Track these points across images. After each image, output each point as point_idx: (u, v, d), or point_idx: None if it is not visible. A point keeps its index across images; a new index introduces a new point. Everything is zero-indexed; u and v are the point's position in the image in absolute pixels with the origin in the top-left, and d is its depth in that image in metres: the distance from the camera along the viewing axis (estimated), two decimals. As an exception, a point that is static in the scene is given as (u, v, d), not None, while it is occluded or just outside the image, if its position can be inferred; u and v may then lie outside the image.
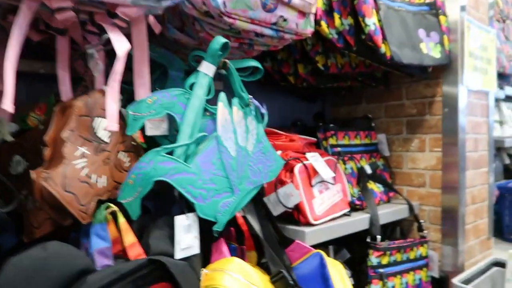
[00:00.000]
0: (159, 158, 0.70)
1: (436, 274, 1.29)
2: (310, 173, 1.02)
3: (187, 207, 0.75)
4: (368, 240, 1.15)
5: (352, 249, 1.31)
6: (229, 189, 0.78)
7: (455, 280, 1.17)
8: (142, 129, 0.79)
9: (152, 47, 0.87)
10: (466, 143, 1.31)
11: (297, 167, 0.99)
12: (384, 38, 0.98)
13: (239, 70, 0.89)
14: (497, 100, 2.04)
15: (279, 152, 1.03)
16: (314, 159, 1.05)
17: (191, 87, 0.77)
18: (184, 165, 0.72)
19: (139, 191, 0.70)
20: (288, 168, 1.01)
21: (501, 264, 1.37)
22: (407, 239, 1.26)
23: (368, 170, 1.27)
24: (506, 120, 2.06)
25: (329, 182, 1.08)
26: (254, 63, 0.88)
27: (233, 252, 0.94)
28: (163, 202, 0.86)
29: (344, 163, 1.20)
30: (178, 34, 0.88)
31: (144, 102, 0.72)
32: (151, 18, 0.79)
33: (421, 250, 1.27)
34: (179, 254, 0.73)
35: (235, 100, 0.80)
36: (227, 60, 0.82)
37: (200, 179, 0.74)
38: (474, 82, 1.32)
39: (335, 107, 1.62)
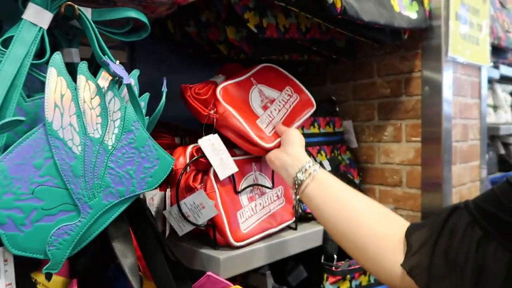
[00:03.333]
0: None
1: (414, 297, 1.01)
2: (236, 174, 0.74)
3: None
4: (323, 260, 0.87)
5: (310, 266, 1.04)
6: (70, 207, 0.50)
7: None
8: None
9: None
10: (453, 131, 1.03)
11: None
12: (333, -18, 0.69)
13: (108, 24, 0.60)
14: (491, 81, 1.76)
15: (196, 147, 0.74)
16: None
17: (8, 43, 0.48)
18: (-26, 171, 0.43)
19: None
20: (201, 168, 0.72)
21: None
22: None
23: (327, 167, 0.99)
24: (501, 104, 1.79)
25: (264, 186, 0.79)
26: (132, 13, 0.59)
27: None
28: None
29: (293, 159, 0.91)
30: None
31: None
32: None
33: (395, 268, 0.99)
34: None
35: (82, 67, 0.50)
36: (73, 4, 0.52)
37: (10, 193, 0.45)
38: (461, 53, 1.04)
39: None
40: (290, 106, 0.82)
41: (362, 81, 1.15)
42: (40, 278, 0.59)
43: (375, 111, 1.12)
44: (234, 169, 0.72)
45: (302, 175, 0.63)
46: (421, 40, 1.02)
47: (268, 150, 0.74)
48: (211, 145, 0.71)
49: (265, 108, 0.79)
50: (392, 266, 0.51)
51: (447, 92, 1.00)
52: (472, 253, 0.43)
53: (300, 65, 1.21)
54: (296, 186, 0.64)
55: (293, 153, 0.68)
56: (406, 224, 0.54)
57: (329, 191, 0.60)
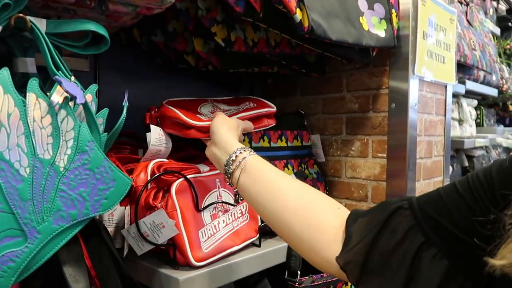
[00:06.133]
0: None
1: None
2: (199, 191, 0.72)
3: None
4: (286, 276, 0.87)
5: (274, 281, 1.03)
6: (16, 232, 0.47)
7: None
8: None
9: None
10: (418, 148, 1.05)
11: (175, 185, 0.69)
12: (301, 1, 0.69)
13: (65, 36, 0.57)
14: (456, 96, 1.81)
15: (157, 163, 0.72)
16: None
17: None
18: None
19: None
20: (163, 186, 0.70)
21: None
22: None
23: (294, 181, 0.98)
24: (466, 118, 1.84)
25: (228, 203, 0.78)
26: (90, 26, 0.56)
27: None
28: None
29: (259, 174, 0.91)
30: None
31: None
32: None
33: (358, 283, 1.00)
34: None
35: (33, 84, 0.48)
36: (24, 16, 0.50)
37: None
38: (428, 71, 1.06)
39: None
40: (244, 108, 0.84)
41: (331, 95, 1.15)
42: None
43: (343, 125, 1.13)
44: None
45: (231, 167, 0.59)
46: (389, 57, 1.03)
47: (199, 128, 0.73)
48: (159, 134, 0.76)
49: (213, 112, 0.80)
50: (329, 256, 0.48)
51: (412, 109, 1.01)
52: (409, 256, 0.41)
53: (269, 76, 1.21)
54: (228, 178, 0.60)
55: (220, 142, 0.64)
56: (346, 211, 0.52)
57: (260, 180, 0.56)
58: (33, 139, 0.47)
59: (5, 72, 0.46)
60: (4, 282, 0.46)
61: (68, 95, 0.51)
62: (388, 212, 0.45)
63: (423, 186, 1.10)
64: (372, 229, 0.45)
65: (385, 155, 1.05)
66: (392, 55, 1.02)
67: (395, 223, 0.44)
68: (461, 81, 1.61)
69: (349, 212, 0.52)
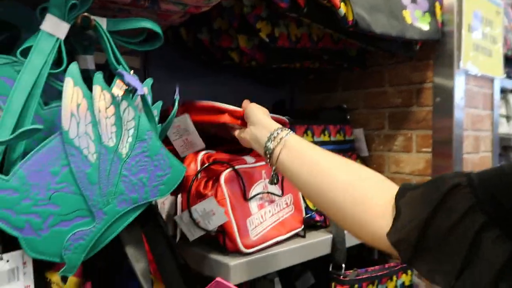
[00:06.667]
0: None
1: (422, 308, 1.01)
2: (246, 181, 0.75)
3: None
4: (331, 269, 0.88)
5: (318, 274, 1.04)
6: (85, 213, 0.51)
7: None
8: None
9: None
10: (464, 142, 1.03)
11: (224, 175, 0.72)
12: (345, -5, 0.70)
13: (122, 33, 0.61)
14: (504, 91, 1.74)
15: (203, 154, 0.75)
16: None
17: (26, 53, 0.50)
18: (-6, 177, 0.45)
19: None
20: (212, 175, 0.73)
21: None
22: (387, 263, 0.98)
23: (336, 176, 0.99)
24: (514, 114, 1.77)
25: (273, 193, 0.80)
26: (146, 24, 0.60)
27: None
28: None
29: (302, 167, 0.92)
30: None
31: None
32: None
33: (404, 279, 0.99)
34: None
35: (98, 77, 0.52)
36: (89, 15, 0.54)
37: (28, 199, 0.47)
38: (474, 65, 1.04)
39: (307, 94, 1.33)
40: None
41: (373, 89, 1.15)
42: (54, 278, 0.60)
43: (385, 120, 1.12)
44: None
45: (272, 143, 0.60)
46: (433, 51, 1.02)
47: (232, 113, 0.71)
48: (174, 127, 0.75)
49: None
50: (377, 230, 0.47)
51: (458, 103, 1.00)
52: (469, 236, 0.39)
53: (311, 72, 1.22)
54: (268, 156, 0.61)
55: (258, 123, 0.65)
56: (393, 185, 0.50)
57: (302, 156, 0.56)
58: (99, 128, 0.51)
59: (75, 66, 0.50)
60: (75, 258, 0.50)
61: (128, 87, 0.54)
62: (444, 189, 0.42)
63: (470, 181, 1.07)
64: (426, 207, 0.43)
65: (430, 150, 1.03)
66: (436, 49, 1.01)
67: (452, 201, 0.41)
68: (509, 76, 1.55)
69: (396, 186, 0.50)
